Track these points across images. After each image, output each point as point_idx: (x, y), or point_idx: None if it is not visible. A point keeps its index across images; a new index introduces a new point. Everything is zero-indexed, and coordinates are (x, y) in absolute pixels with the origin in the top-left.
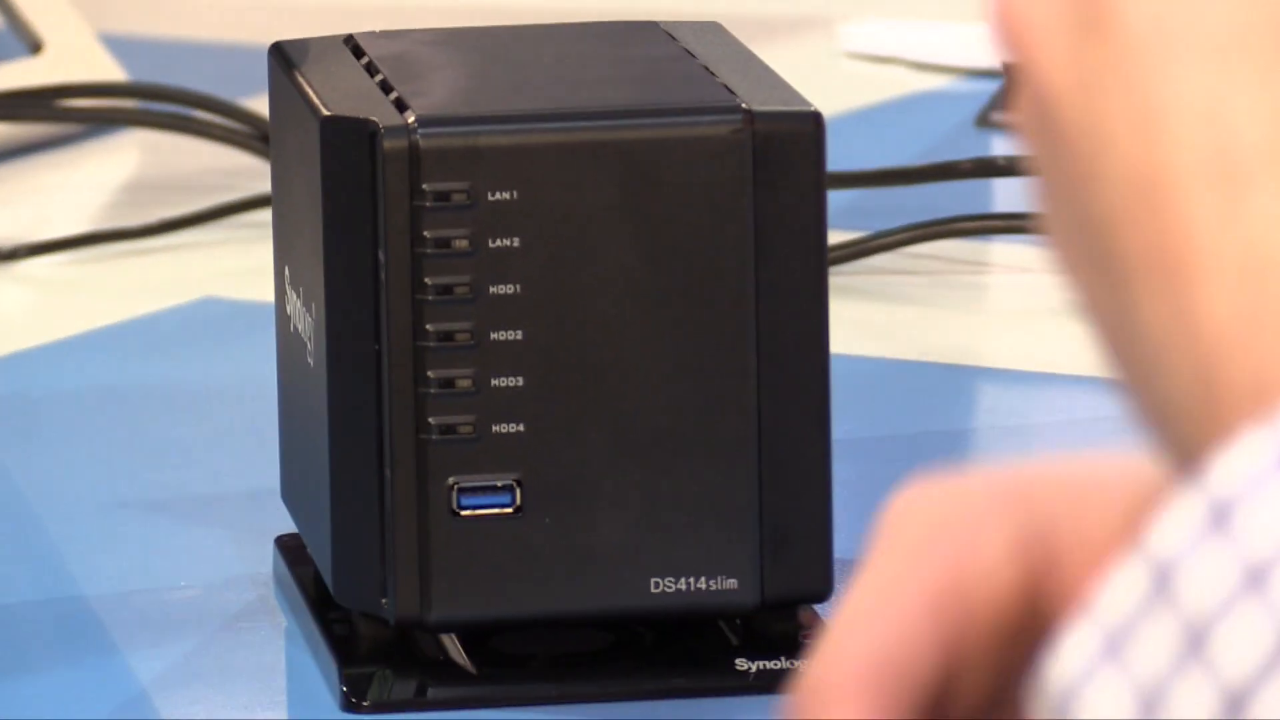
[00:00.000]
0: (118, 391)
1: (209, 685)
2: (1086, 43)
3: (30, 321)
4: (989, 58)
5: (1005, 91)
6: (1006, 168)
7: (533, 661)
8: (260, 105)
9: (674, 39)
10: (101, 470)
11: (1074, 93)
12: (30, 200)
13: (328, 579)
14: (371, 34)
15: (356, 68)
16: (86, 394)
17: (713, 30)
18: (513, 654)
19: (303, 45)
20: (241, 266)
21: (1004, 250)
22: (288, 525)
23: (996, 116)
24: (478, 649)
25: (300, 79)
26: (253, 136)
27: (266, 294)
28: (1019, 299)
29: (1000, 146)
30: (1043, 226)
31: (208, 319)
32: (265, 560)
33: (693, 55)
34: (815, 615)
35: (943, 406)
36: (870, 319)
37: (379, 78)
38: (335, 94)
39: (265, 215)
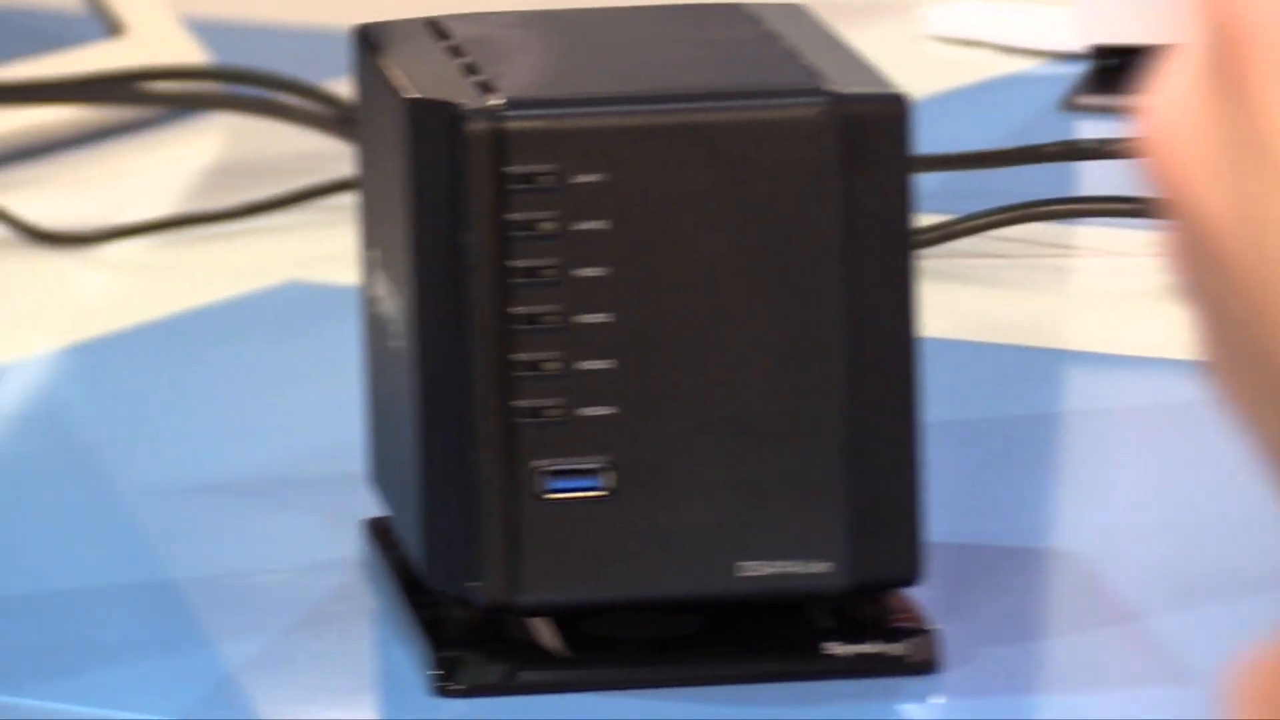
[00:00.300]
0: (200, 376)
1: (298, 670)
2: (1246, 175)
3: (113, 305)
4: (1073, 40)
5: (1164, 225)
6: (1092, 150)
7: (623, 645)
8: (343, 88)
9: (757, 21)
10: (184, 454)
11: (1238, 228)
12: (113, 184)
13: (418, 563)
14: (454, 16)
15: (440, 50)
16: (168, 378)
17: (795, 12)
18: (603, 637)
19: (386, 28)
20: (325, 250)
21: (1090, 233)
22: (374, 508)
23: (1081, 99)
24: (568, 632)
25: (385, 62)
26: (336, 119)
27: (350, 278)
28: (1105, 282)
29: (1086, 129)
30: (1208, 363)
31: (291, 303)
32: (354, 544)
33: (777, 37)
34: (905, 599)
35: (1028, 390)
36: (955, 302)
37: (463, 60)
38: (420, 77)
39: (349, 199)
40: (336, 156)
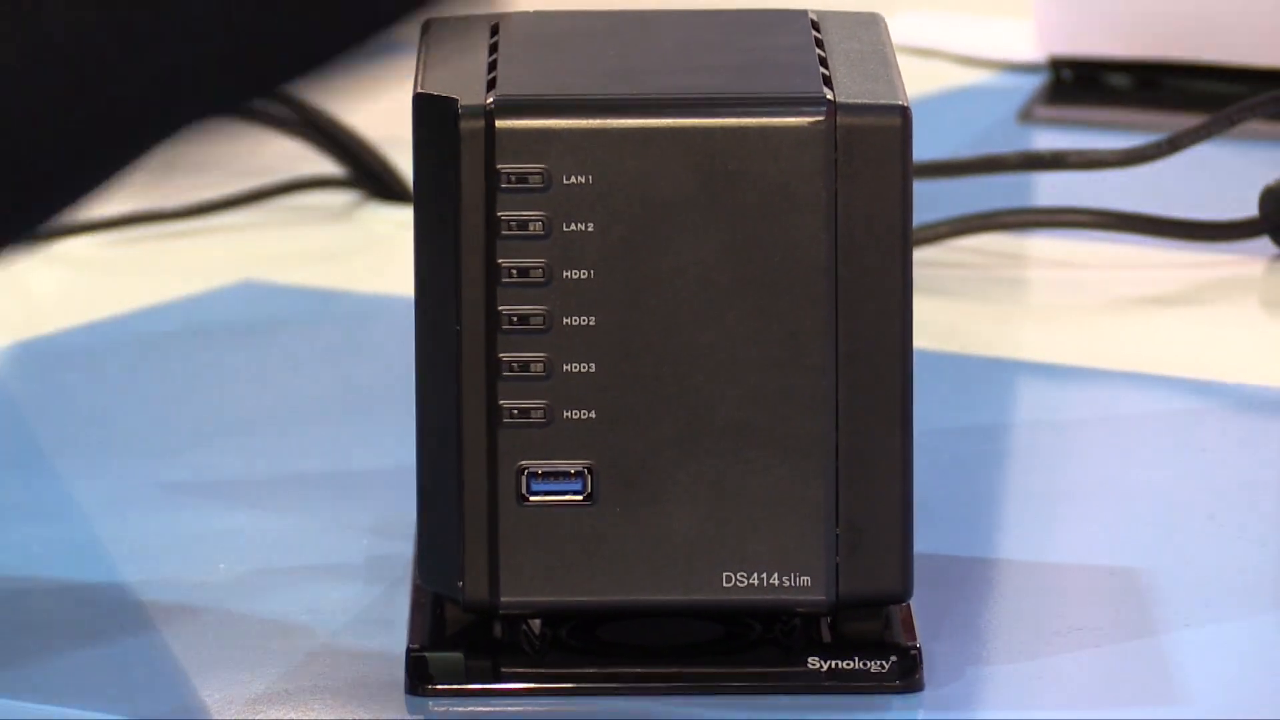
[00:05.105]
0: (154, 374)
1: (266, 670)
2: None
3: (67, 302)
4: (1031, 52)
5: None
6: (1051, 162)
7: (609, 649)
8: (300, 89)
9: (815, 29)
10: (139, 453)
11: None
12: None
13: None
14: (523, 14)
15: (481, 47)
16: (122, 376)
17: (864, 22)
18: (616, 643)
19: (449, 23)
20: (281, 250)
21: (1045, 245)
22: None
23: (1039, 111)
24: (585, 637)
25: (423, 55)
26: (293, 120)
27: (306, 278)
28: (1060, 294)
29: (1043, 140)
30: None
31: (247, 302)
32: (319, 544)
33: (819, 47)
34: (901, 613)
35: (982, 400)
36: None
37: (491, 58)
38: (440, 72)
39: (305, 199)
40: (293, 156)
